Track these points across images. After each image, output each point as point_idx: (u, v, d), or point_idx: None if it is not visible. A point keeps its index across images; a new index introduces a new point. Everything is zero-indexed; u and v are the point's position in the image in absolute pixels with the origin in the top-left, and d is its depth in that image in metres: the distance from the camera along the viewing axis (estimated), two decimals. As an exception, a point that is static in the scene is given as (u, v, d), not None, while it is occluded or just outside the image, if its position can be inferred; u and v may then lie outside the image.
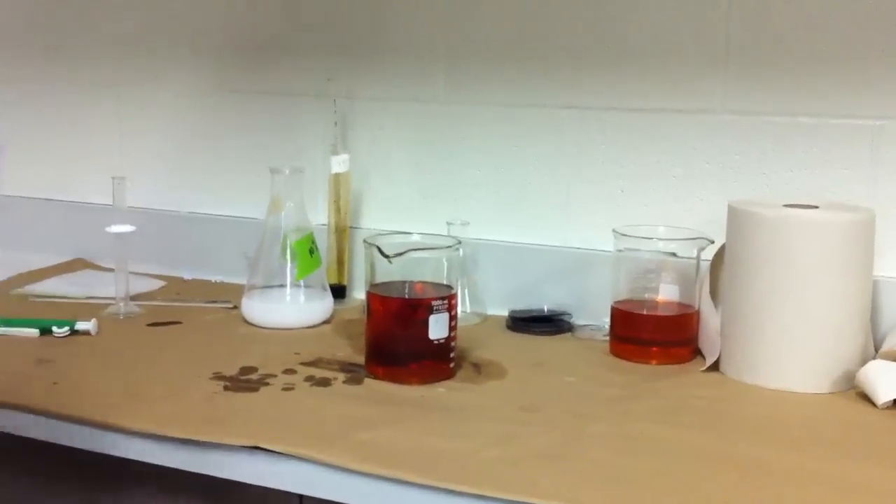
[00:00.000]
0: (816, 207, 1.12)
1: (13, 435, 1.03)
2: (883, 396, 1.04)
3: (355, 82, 1.48)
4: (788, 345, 1.09)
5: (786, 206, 1.13)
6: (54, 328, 1.24)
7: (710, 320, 1.18)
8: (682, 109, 1.30)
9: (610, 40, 1.33)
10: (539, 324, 1.31)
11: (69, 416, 1.00)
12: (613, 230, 1.23)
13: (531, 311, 1.35)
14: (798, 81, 1.24)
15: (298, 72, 1.52)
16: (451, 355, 1.11)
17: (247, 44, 1.55)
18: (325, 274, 1.37)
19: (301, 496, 0.94)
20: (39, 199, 1.72)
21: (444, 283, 1.12)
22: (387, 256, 1.09)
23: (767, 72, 1.25)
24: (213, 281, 1.54)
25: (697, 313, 1.21)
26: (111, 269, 1.39)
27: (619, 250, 1.23)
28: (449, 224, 1.35)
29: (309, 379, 1.10)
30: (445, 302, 1.10)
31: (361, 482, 0.88)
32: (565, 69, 1.36)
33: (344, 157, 1.43)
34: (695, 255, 1.21)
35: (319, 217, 1.43)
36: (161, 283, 1.52)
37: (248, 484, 0.93)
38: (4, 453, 1.09)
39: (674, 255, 1.22)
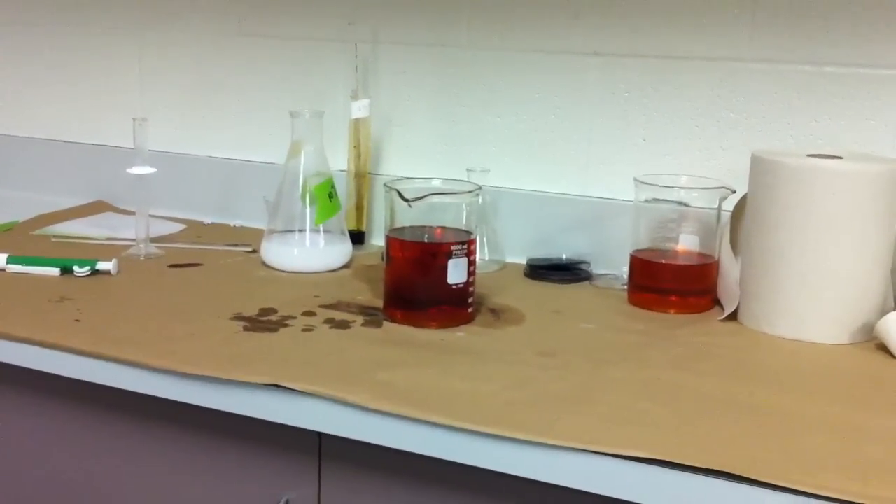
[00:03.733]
0: (840, 158, 1.11)
1: (35, 370, 1.05)
2: (902, 348, 1.04)
3: (377, 27, 1.47)
4: (808, 295, 1.09)
5: (810, 156, 1.12)
6: (75, 268, 1.25)
7: (730, 270, 1.18)
8: (707, 57, 1.29)
9: (635, -13, 1.31)
10: (557, 272, 1.31)
11: (92, 352, 1.01)
12: (634, 179, 1.22)
13: (550, 259, 1.35)
14: (825, 30, 1.22)
15: (320, 16, 1.51)
16: (470, 300, 1.12)
17: (268, -13, 1.54)
18: (343, 219, 1.37)
19: (320, 434, 0.95)
20: (61, 141, 1.72)
21: (464, 228, 1.12)
22: (407, 200, 1.09)
23: (795, 20, 1.23)
24: (232, 225, 1.55)
25: (717, 263, 1.21)
26: (132, 213, 1.40)
27: (640, 200, 1.23)
28: (469, 171, 1.34)
29: (328, 321, 1.10)
30: (465, 247, 1.10)
31: (380, 421, 0.89)
32: (589, 15, 1.34)
33: (364, 102, 1.43)
34: (716, 204, 1.21)
35: (339, 162, 1.43)
36: (181, 227, 1.52)
37: (268, 422, 0.94)
38: (26, 389, 1.10)
39: (685, 204, 1.21)
